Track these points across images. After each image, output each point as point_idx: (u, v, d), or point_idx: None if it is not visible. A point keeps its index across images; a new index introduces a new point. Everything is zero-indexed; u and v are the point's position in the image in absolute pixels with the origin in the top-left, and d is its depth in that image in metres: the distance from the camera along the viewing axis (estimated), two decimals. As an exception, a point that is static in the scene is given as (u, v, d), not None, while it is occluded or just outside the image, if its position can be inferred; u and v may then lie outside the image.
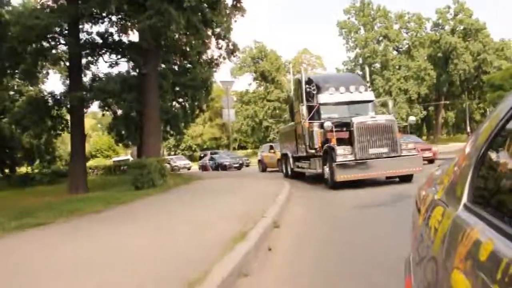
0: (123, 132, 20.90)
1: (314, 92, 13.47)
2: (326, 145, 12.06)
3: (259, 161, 25.32)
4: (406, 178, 11.87)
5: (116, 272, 3.94)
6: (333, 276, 3.94)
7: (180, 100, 24.03)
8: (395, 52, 54.10)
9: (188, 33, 17.06)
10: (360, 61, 52.83)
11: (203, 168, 33.40)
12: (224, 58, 23.06)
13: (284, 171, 17.76)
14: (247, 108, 58.43)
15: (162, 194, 10.98)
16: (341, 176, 11.23)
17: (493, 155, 1.35)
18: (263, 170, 23.16)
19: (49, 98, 20.43)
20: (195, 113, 24.64)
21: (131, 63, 20.36)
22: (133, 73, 19.22)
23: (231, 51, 19.95)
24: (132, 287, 3.45)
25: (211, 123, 65.44)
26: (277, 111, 58.44)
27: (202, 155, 39.09)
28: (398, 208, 7.35)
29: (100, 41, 19.12)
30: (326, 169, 12.00)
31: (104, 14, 17.98)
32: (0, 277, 4.11)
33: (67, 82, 24.87)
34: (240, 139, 65.74)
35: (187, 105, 23.79)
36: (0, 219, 6.72)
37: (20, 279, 3.96)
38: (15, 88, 30.08)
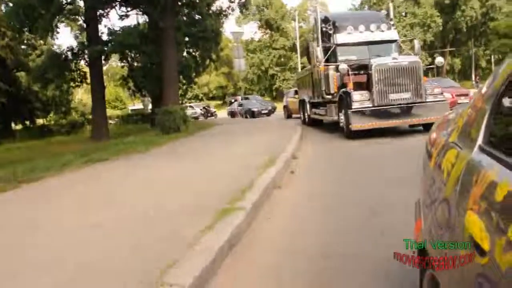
0: (139, 83, 22.32)
1: (331, 32, 12.58)
2: (342, 90, 11.27)
3: (284, 107, 24.20)
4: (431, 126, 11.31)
5: (188, 187, 5.60)
6: (333, 183, 5.68)
7: (191, 50, 25.22)
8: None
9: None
10: (366, 8, 52.80)
11: (232, 114, 32.42)
12: (232, 10, 24.08)
13: (302, 118, 16.94)
14: (252, 56, 59.08)
15: (191, 137, 12.62)
16: (357, 124, 10.45)
17: (510, 98, 1.34)
18: (289, 116, 21.95)
19: (68, 52, 21.71)
20: (205, 63, 25.92)
21: (145, 16, 21.49)
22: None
23: (243, 4, 20.73)
24: (204, 194, 5.08)
25: (217, 72, 66.27)
26: (283, 59, 59.22)
27: (232, 100, 37.42)
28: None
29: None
30: (342, 116, 11.21)
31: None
32: (105, 190, 5.80)
33: (79, 36, 26.08)
34: (246, 87, 66.87)
35: (197, 55, 24.99)
36: (71, 156, 8.40)
37: (119, 189, 5.67)
38: (27, 42, 31.27)
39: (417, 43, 13.44)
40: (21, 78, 29.33)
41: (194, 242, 3.13)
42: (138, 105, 54.73)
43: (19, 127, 32.06)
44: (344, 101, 10.96)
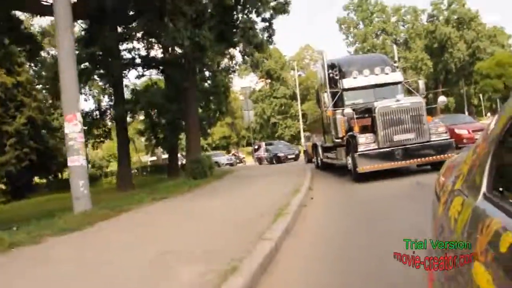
0: (160, 136, 25.11)
1: (337, 77, 13.01)
2: (348, 133, 11.67)
3: (305, 151, 24.35)
4: (439, 165, 11.70)
5: (240, 213, 8.06)
6: (342, 203, 8.15)
7: (203, 104, 28.19)
8: (393, 45, 58.08)
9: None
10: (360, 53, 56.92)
11: (259, 160, 32.75)
12: (239, 66, 27.15)
13: (315, 162, 17.46)
14: (255, 106, 62.42)
15: (219, 181, 15.03)
16: (364, 167, 10.78)
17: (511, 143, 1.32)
18: (309, 161, 21.49)
19: (97, 112, 24.64)
20: (216, 115, 28.82)
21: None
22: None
23: (256, 65, 23.18)
24: (251, 216, 7.49)
25: (220, 122, 69.52)
26: (284, 107, 62.65)
27: (256, 146, 37.55)
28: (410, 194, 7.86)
29: (138, 59, 23.26)
30: (349, 159, 11.56)
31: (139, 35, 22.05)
32: (187, 212, 8.25)
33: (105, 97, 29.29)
34: (248, 136, 70.01)
35: (210, 109, 27.89)
36: (142, 195, 10.89)
37: (196, 211, 8.13)
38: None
39: (421, 84, 13.70)
40: (48, 138, 32.21)
41: (268, 225, 5.59)
42: (144, 157, 57.45)
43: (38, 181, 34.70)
44: (350, 145, 11.35)
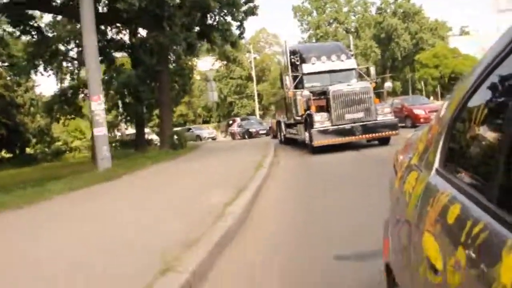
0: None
1: (298, 63, 14.48)
2: (307, 112, 13.20)
3: (270, 128, 25.97)
4: (385, 141, 12.96)
5: (213, 172, 11.20)
6: (300, 166, 11.53)
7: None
8: (344, 33, 62.32)
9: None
10: (314, 41, 60.62)
11: (232, 135, 34.19)
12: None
13: (278, 137, 19.06)
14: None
15: (197, 151, 18.06)
16: (319, 141, 12.45)
17: (462, 122, 1.40)
18: (274, 136, 22.53)
19: (70, 90, 26.77)
20: (180, 95, 31.50)
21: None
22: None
23: (228, 58, 25.75)
24: (242, 168, 10.66)
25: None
26: (240, 88, 65.66)
27: (230, 121, 39.34)
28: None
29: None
30: (307, 134, 13.12)
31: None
32: (185, 170, 11.32)
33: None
34: (204, 114, 72.75)
35: (176, 88, 30.52)
36: (143, 159, 13.72)
37: (188, 169, 11.22)
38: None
39: (372, 70, 15.18)
40: (15, 114, 33.58)
41: (254, 172, 8.80)
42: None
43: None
44: (308, 122, 12.94)
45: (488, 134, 1.17)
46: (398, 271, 1.70)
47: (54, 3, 17.01)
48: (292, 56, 14.73)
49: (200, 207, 5.66)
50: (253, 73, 55.82)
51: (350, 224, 4.71)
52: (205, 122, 76.12)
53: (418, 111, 18.18)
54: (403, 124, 17.31)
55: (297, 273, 3.51)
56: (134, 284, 3.09)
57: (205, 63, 64.68)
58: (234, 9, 15.16)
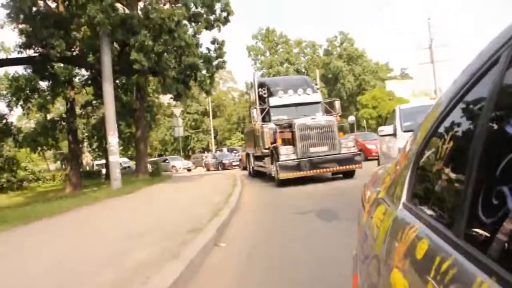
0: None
1: (265, 96, 14.94)
2: (273, 145, 13.45)
3: (240, 160, 27.47)
4: (349, 174, 13.25)
5: (204, 185, 15.49)
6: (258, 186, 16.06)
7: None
8: (296, 73, 68.72)
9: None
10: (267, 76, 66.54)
11: (206, 166, 35.58)
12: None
13: (248, 169, 19.75)
14: (169, 120, 68.99)
15: (172, 179, 22.22)
16: (284, 174, 12.62)
17: (428, 155, 1.41)
18: (244, 168, 23.42)
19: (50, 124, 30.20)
20: (146, 130, 35.57)
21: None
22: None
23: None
24: (221, 190, 14.95)
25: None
26: (196, 123, 70.00)
27: (205, 155, 41.22)
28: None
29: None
30: (273, 167, 13.32)
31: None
32: (175, 188, 15.52)
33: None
34: (160, 148, 76.26)
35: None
36: (139, 183, 17.73)
37: (179, 188, 15.44)
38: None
39: (337, 104, 15.42)
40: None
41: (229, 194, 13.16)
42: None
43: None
44: (274, 155, 13.17)
45: (454, 167, 1.18)
46: None
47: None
48: (260, 89, 15.29)
49: (210, 201, 9.96)
50: (210, 108, 60.34)
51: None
52: (160, 155, 79.70)
53: (370, 146, 19.91)
54: (358, 158, 19.00)
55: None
56: (200, 221, 7.38)
57: (165, 98, 69.08)
58: (209, 65, 19.88)
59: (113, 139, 15.18)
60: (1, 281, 4.54)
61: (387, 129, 9.09)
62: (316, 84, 16.86)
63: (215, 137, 63.56)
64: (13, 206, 16.44)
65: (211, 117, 60.55)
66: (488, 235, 0.87)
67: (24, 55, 19.91)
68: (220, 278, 4.56)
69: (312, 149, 12.78)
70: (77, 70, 25.98)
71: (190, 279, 4.38)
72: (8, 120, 28.10)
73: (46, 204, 13.29)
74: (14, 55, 20.59)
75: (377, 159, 11.72)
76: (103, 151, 33.30)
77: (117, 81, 27.85)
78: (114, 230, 7.37)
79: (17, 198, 27.39)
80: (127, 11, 17.42)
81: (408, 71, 70.86)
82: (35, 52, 19.37)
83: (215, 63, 20.35)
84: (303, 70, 68.16)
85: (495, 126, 0.96)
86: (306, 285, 4.05)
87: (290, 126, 13.39)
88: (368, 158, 18.06)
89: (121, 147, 31.68)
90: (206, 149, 64.53)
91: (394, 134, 8.75)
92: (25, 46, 19.43)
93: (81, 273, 4.48)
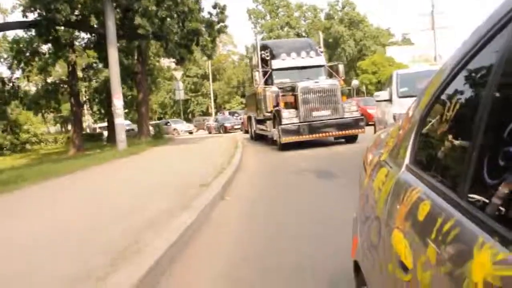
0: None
1: (268, 58, 14.67)
2: (275, 108, 13.28)
3: (242, 123, 27.47)
4: (351, 139, 13.07)
5: (217, 148, 16.15)
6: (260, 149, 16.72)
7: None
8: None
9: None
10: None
11: (208, 129, 35.68)
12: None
13: (249, 133, 19.70)
14: (169, 83, 69.11)
15: (175, 141, 22.90)
16: (286, 138, 12.54)
17: (432, 119, 1.42)
18: (246, 132, 23.41)
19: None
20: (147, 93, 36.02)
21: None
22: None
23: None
24: (226, 148, 15.62)
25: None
26: (196, 86, 70.16)
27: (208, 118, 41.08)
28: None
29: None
30: (275, 131, 13.26)
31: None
32: (183, 149, 16.22)
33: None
34: (159, 111, 76.64)
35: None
36: (142, 145, 18.40)
37: (182, 149, 16.14)
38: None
39: (341, 68, 15.31)
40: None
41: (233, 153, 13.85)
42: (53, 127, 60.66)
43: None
44: (276, 118, 13.10)
45: (459, 131, 1.19)
46: (366, 269, 1.71)
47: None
48: (262, 52, 14.97)
49: (214, 162, 10.62)
50: (209, 72, 60.45)
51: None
52: (159, 118, 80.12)
53: (371, 111, 19.64)
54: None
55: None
56: (207, 176, 8.06)
57: (165, 61, 68.88)
58: (211, 29, 20.21)
59: (118, 102, 15.73)
60: (44, 224, 5.27)
61: (383, 94, 9.12)
62: (320, 47, 16.38)
63: (214, 101, 63.89)
64: (22, 167, 17.10)
65: (210, 80, 60.76)
66: (491, 196, 0.88)
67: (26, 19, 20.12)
68: (226, 226, 5.33)
69: (315, 113, 12.70)
70: (77, 33, 26.19)
71: (203, 224, 5.26)
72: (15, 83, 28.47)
73: (57, 163, 14.04)
74: (12, 16, 20.81)
75: (374, 125, 11.86)
76: (104, 114, 33.95)
77: (118, 45, 28.22)
78: (129, 186, 8.09)
79: (21, 160, 28.15)
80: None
81: (409, 36, 70.73)
82: (39, 16, 19.59)
83: (217, 27, 20.64)
84: (303, 34, 67.76)
85: (503, 90, 0.96)
86: (303, 226, 4.86)
87: (293, 89, 13.27)
88: (369, 123, 17.65)
89: (125, 110, 32.22)
90: (206, 113, 64.95)
91: (389, 100, 8.72)
92: (28, 9, 19.69)
93: (112, 217, 5.27)
